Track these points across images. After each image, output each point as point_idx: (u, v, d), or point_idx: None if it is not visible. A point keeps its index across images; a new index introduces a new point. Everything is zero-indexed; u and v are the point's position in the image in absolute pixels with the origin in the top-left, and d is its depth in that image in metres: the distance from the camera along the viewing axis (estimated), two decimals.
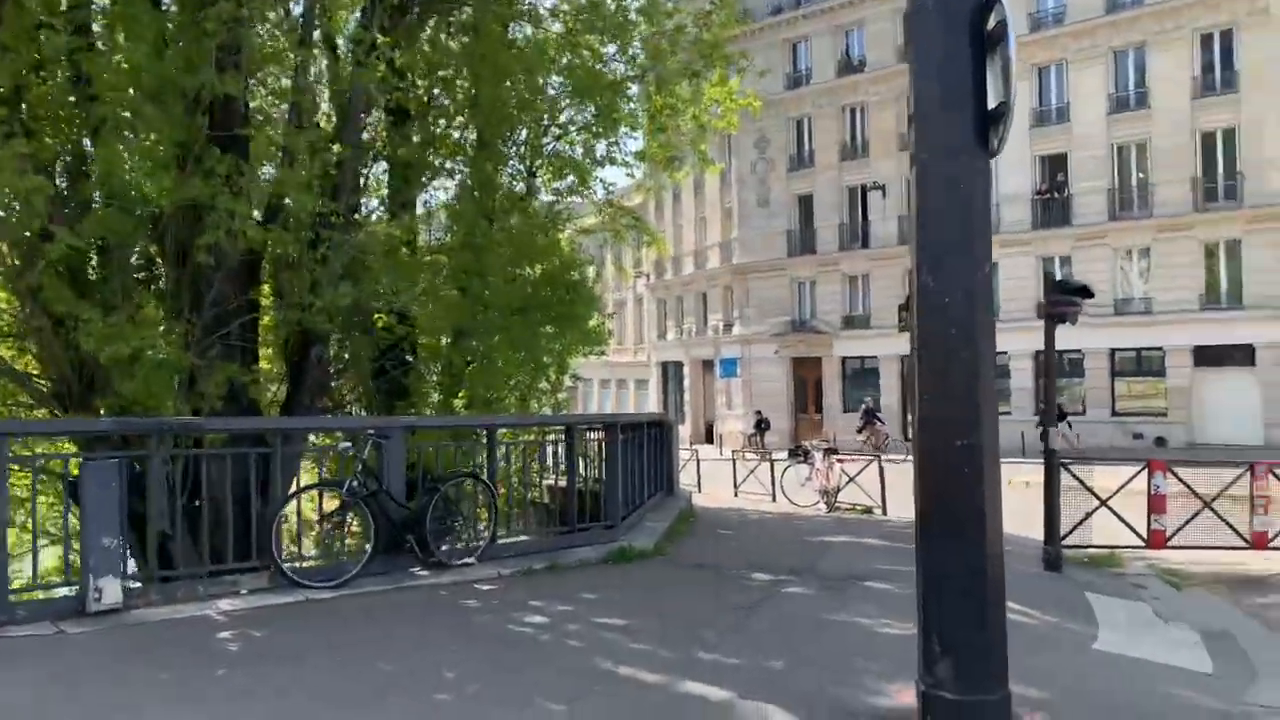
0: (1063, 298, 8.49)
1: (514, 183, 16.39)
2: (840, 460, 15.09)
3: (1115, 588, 8.47)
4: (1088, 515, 9.65)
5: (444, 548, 7.73)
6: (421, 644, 5.55)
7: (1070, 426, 32.57)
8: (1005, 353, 33.36)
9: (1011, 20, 4.10)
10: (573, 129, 15.89)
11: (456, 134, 14.52)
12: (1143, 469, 9.75)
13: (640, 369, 53.49)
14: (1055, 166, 32.67)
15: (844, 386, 38.89)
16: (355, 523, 7.82)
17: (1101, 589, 8.32)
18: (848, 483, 14.92)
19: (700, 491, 19.92)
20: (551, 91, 13.38)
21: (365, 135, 12.21)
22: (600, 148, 16.56)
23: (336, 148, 9.73)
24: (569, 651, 5.49)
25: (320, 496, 7.37)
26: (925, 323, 4.52)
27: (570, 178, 16.16)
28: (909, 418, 38.09)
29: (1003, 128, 4.61)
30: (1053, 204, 32.70)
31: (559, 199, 16.78)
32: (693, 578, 8.04)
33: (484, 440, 8.53)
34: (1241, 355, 28.94)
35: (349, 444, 7.35)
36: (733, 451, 19.58)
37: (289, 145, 8.88)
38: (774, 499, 16.92)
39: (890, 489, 14.40)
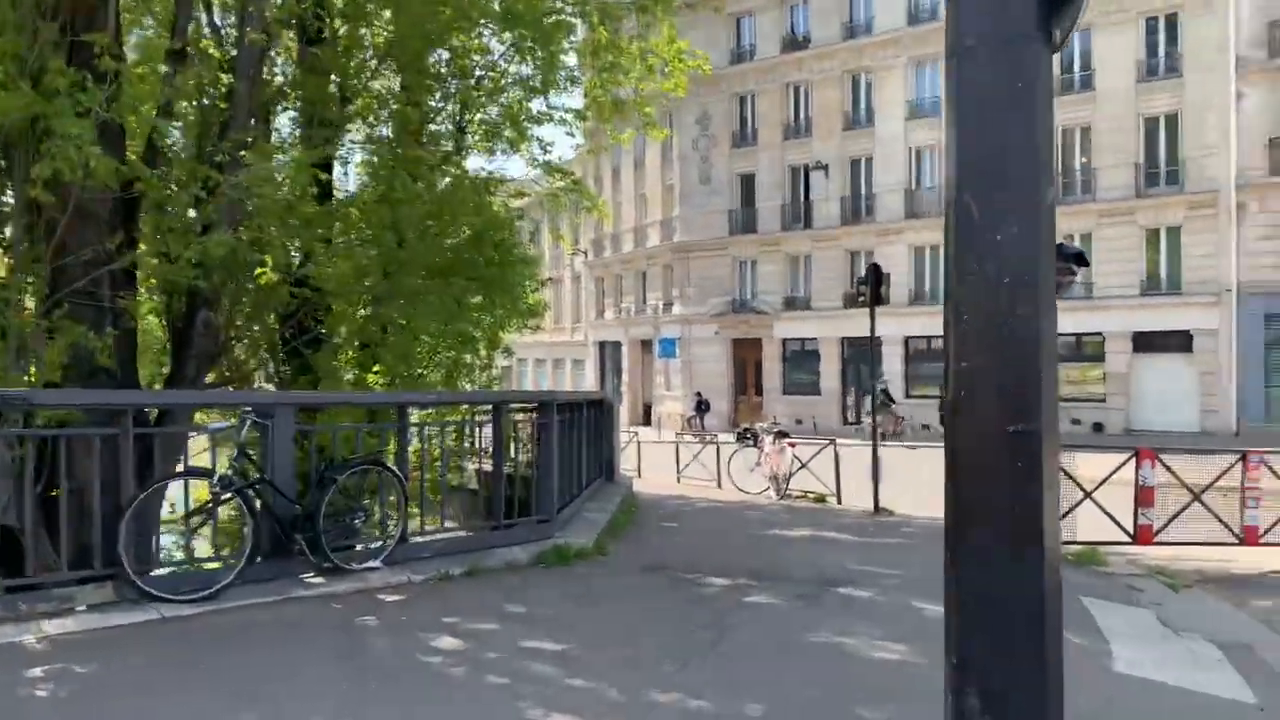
0: (1060, 265, 7.52)
1: (443, 140, 15.02)
2: (791, 444, 14.10)
3: (1109, 590, 7.59)
4: (1072, 508, 8.79)
5: (342, 549, 6.44)
6: (295, 685, 4.29)
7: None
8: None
9: None
10: (507, 81, 14.56)
11: (375, 79, 13.06)
12: (1130, 458, 8.91)
13: (577, 348, 52.18)
14: None
15: (784, 368, 38.22)
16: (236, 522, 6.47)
17: (1095, 592, 7.43)
18: (799, 469, 13.94)
19: (641, 476, 18.82)
20: (481, 22, 11.94)
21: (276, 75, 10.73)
22: (538, 104, 15.28)
23: (225, 78, 8.24)
24: (486, 692, 4.29)
25: (186, 489, 6.00)
26: (967, 269, 3.36)
27: (506, 133, 14.84)
28: (847, 401, 37.68)
29: (1070, 11, 3.47)
30: None
31: (492, 156, 15.42)
32: (641, 584, 6.89)
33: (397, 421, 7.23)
34: (1179, 341, 28.95)
35: (222, 425, 5.98)
36: (675, 434, 18.51)
37: (163, 68, 7.38)
38: (719, 485, 15.91)
39: (845, 475, 13.46)
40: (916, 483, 14.34)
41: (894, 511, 11.97)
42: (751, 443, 14.92)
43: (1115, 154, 29.77)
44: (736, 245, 38.87)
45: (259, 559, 5.94)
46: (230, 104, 8.44)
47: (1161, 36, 29.32)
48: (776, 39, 37.93)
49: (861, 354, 36.63)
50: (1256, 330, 27.48)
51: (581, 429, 9.96)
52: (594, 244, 49.40)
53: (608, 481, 12.44)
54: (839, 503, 13.14)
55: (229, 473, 5.79)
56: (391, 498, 6.90)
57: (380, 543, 6.79)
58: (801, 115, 37.69)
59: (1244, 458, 8.92)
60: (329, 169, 12.35)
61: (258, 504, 5.98)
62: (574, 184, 15.03)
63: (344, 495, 6.50)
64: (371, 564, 6.52)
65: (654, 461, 19.01)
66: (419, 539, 7.12)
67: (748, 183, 39.01)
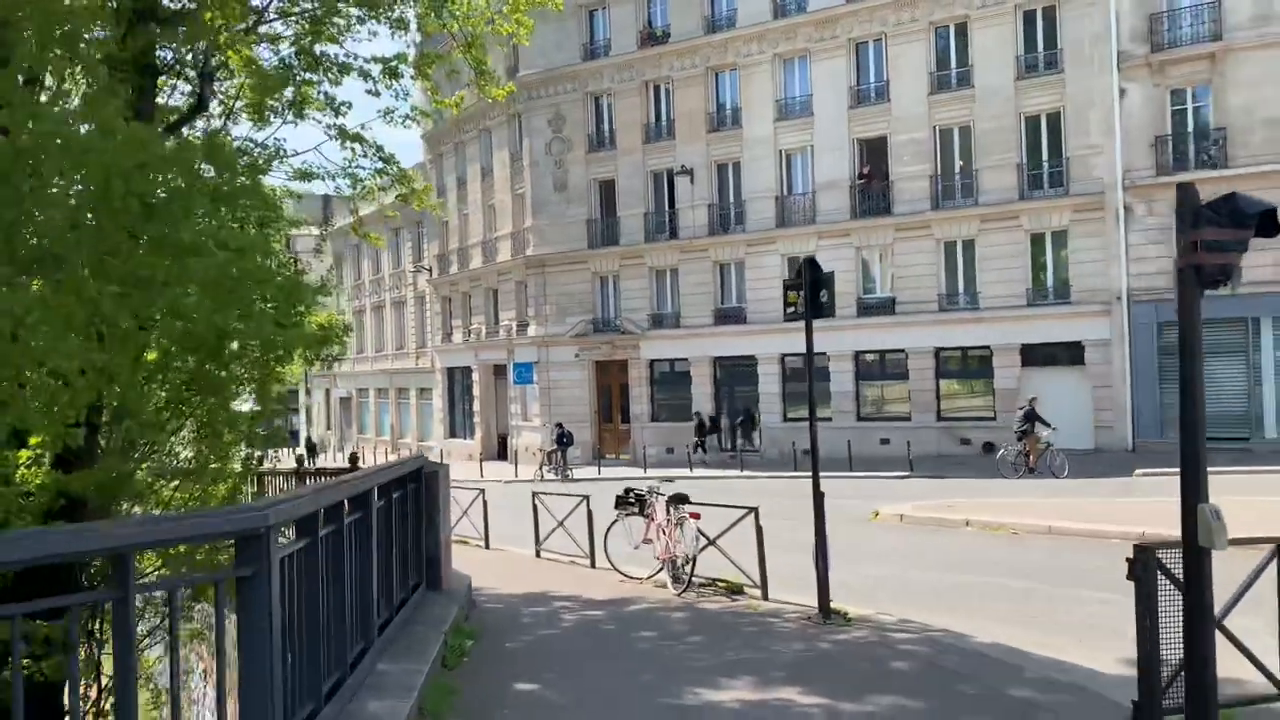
0: (1229, 235, 4.04)
1: (185, 96, 10.67)
2: (694, 515, 10.25)
3: None
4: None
5: None
6: None
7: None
8: (824, 353, 30.45)
9: None
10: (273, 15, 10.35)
11: None
12: (1275, 555, 5.53)
13: (423, 376, 47.05)
14: (874, 151, 30.06)
15: (652, 392, 34.70)
16: None
17: None
18: (704, 547, 10.12)
19: (488, 548, 14.62)
20: None
21: None
22: (328, 50, 11.05)
23: None
24: None
25: None
26: None
27: (285, 94, 10.66)
28: (723, 424, 34.38)
29: None
30: (872, 191, 30.00)
31: (265, 124, 11.13)
32: None
33: None
34: (1070, 353, 27.24)
35: None
36: (533, 492, 14.42)
37: None
38: (593, 564, 11.93)
39: (770, 549, 9.70)
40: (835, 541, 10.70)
41: (848, 615, 8.34)
42: (636, 510, 11.04)
43: (997, 155, 27.93)
44: (597, 259, 35.18)
45: None
46: None
47: (1040, 31, 27.70)
48: (633, 33, 34.64)
49: (734, 375, 33.62)
50: (1149, 341, 25.94)
51: (371, 539, 5.81)
52: (439, 260, 44.61)
53: (430, 591, 8.27)
54: (764, 596, 9.38)
55: None
56: None
57: None
58: (663, 116, 34.50)
59: None
60: None
61: None
62: (382, 158, 10.84)
63: None
64: None
65: (506, 524, 14.85)
66: None
67: (607, 190, 35.44)
